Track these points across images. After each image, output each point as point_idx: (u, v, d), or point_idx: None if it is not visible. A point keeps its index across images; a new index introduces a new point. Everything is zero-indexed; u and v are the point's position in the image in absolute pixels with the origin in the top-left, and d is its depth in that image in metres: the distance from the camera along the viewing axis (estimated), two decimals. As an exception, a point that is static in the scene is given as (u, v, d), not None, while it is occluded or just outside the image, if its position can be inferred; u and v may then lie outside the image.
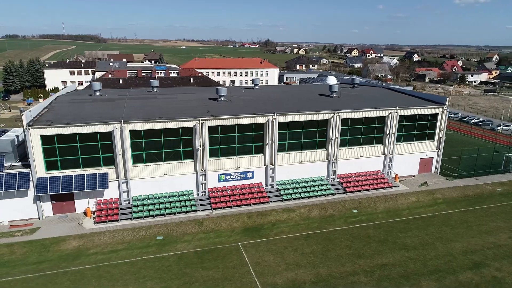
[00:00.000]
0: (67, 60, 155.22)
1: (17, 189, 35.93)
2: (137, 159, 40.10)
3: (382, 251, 34.13)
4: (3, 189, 35.51)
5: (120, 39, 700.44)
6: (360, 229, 38.21)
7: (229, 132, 42.27)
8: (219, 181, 43.12)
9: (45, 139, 36.75)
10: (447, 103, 49.76)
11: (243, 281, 29.73)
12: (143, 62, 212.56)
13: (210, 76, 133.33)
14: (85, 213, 39.26)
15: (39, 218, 38.12)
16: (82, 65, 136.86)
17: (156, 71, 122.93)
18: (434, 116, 50.16)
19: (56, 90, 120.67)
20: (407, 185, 48.24)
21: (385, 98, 54.72)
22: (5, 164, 36.83)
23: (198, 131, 40.43)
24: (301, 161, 45.62)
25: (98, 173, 38.51)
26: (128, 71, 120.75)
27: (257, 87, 61.49)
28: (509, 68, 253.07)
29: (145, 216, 38.78)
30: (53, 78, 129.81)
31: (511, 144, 66.74)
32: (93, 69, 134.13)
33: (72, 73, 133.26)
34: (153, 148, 40.34)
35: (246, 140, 43.30)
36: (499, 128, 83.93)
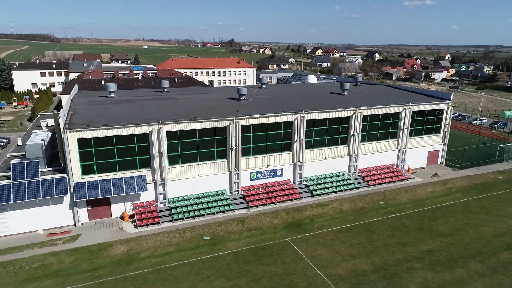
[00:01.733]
0: (37, 61, 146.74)
1: (55, 195, 34.39)
2: (172, 160, 39.61)
3: (423, 238, 36.29)
4: (40, 196, 33.84)
5: (76, 38, 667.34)
6: (394, 219, 40.26)
7: (260, 130, 42.80)
8: (250, 179, 43.53)
9: (82, 143, 35.46)
10: (451, 99, 53.33)
11: (307, 274, 30.57)
12: (110, 63, 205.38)
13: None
14: (121, 218, 38.24)
15: (75, 225, 36.66)
16: (54, 66, 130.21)
17: (134, 72, 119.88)
18: (440, 111, 53.56)
19: (29, 92, 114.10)
20: (420, 176, 51.18)
21: (391, 95, 57.53)
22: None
23: (232, 130, 40.64)
24: (325, 157, 47.07)
25: (136, 176, 37.66)
26: (104, 72, 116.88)
27: (264, 86, 62.20)
28: (462, 66, 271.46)
29: (186, 218, 38.46)
30: (22, 80, 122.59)
31: (495, 136, 72.28)
32: (66, 70, 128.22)
33: (43, 74, 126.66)
34: (188, 148, 40.03)
35: (275, 138, 44.03)
36: (475, 122, 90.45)
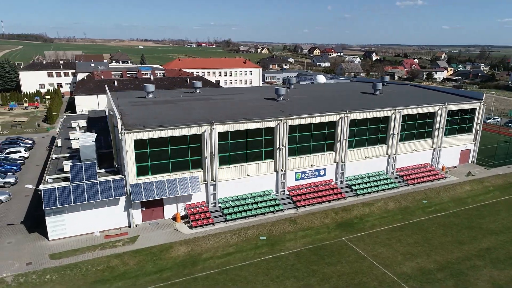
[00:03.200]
0: (44, 61, 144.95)
1: (113, 197, 34.10)
2: (222, 161, 39.50)
3: (476, 236, 36.72)
4: (99, 197, 33.54)
5: (69, 38, 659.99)
6: (442, 218, 40.64)
7: (305, 131, 42.92)
8: (295, 179, 43.62)
9: (138, 144, 35.22)
10: (483, 98, 54.03)
11: (374, 273, 30.74)
12: (110, 63, 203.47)
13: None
14: (173, 219, 38.05)
15: (129, 226, 36.39)
16: (61, 66, 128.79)
17: (142, 72, 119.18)
18: (472, 111, 54.21)
19: (38, 93, 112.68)
20: (455, 175, 51.71)
21: (422, 94, 58.02)
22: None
23: (280, 130, 40.68)
24: (365, 157, 47.34)
25: (189, 177, 37.50)
26: (112, 72, 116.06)
27: (292, 87, 62.24)
28: (460, 66, 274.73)
29: (238, 218, 38.40)
30: (29, 80, 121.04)
31: (514, 135, 73.29)
32: (73, 71, 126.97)
33: (50, 75, 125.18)
34: (237, 149, 39.98)
35: (319, 138, 44.18)
36: (489, 121, 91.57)
